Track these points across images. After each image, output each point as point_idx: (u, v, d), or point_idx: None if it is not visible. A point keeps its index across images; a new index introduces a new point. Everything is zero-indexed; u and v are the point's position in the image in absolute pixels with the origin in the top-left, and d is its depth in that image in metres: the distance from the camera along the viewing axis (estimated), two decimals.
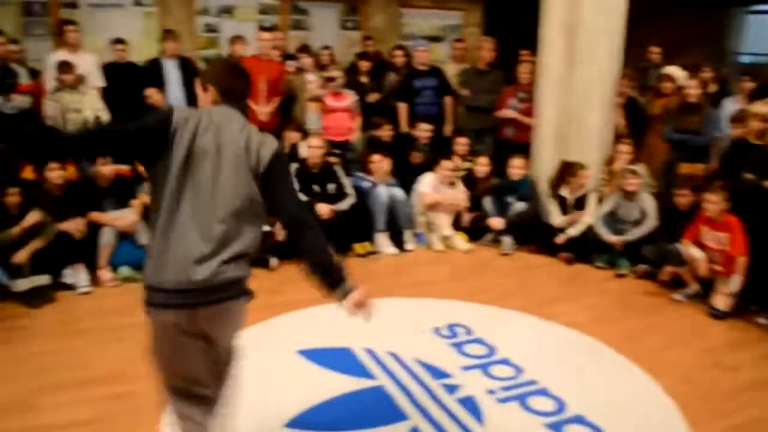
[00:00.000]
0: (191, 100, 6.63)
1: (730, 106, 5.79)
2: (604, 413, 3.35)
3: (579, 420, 3.30)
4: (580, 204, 5.88)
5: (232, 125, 2.32)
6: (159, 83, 6.37)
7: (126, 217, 5.12)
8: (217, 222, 2.26)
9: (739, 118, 5.26)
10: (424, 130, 6.62)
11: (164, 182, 2.24)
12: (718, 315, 4.65)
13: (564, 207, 5.94)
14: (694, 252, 4.84)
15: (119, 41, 6.58)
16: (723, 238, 4.72)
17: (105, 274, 4.96)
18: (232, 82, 2.45)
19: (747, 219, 4.73)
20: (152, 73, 6.54)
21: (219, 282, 2.31)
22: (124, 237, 5.13)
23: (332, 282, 2.45)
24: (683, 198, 5.18)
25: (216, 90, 2.42)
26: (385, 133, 6.57)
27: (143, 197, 5.35)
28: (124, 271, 5.05)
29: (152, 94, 6.10)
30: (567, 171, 5.92)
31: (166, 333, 2.42)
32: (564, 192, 5.94)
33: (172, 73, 6.62)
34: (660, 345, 4.22)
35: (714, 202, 4.72)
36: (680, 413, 3.39)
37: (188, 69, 6.81)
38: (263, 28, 6.96)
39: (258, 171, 2.31)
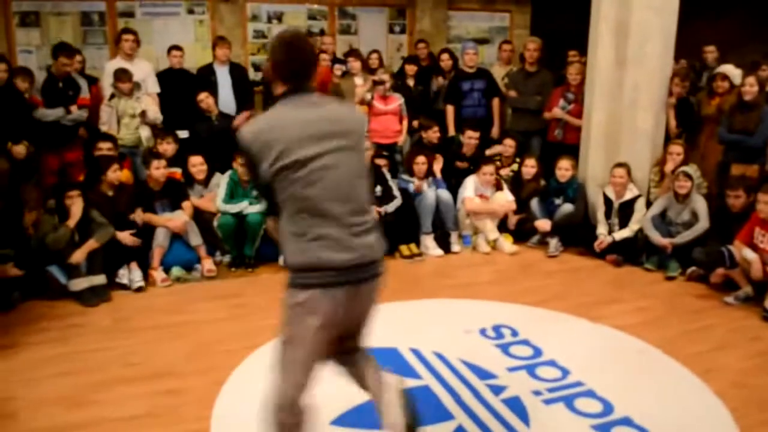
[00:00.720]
0: (241, 104, 6.81)
1: None
2: (652, 416, 3.31)
3: (626, 422, 3.27)
4: (625, 207, 5.80)
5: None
6: (211, 88, 6.54)
7: (178, 218, 5.28)
8: None
9: None
10: (471, 138, 6.62)
11: None
12: None
13: (609, 209, 5.86)
14: (748, 254, 4.73)
15: (176, 48, 6.79)
16: None
17: (158, 274, 5.12)
18: (290, 64, 2.37)
19: None
20: (205, 79, 6.72)
21: None
22: (176, 238, 5.29)
23: None
24: (736, 199, 5.06)
25: (279, 79, 2.40)
26: (432, 134, 6.60)
27: (194, 200, 5.53)
28: (176, 271, 5.21)
29: (204, 98, 6.26)
30: (612, 173, 5.85)
31: None
32: (610, 193, 5.87)
33: (223, 78, 6.79)
34: (711, 348, 4.14)
35: (766, 203, 4.60)
36: (731, 417, 3.32)
37: (239, 75, 6.99)
38: (310, 34, 7.05)
39: None
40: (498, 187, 6.21)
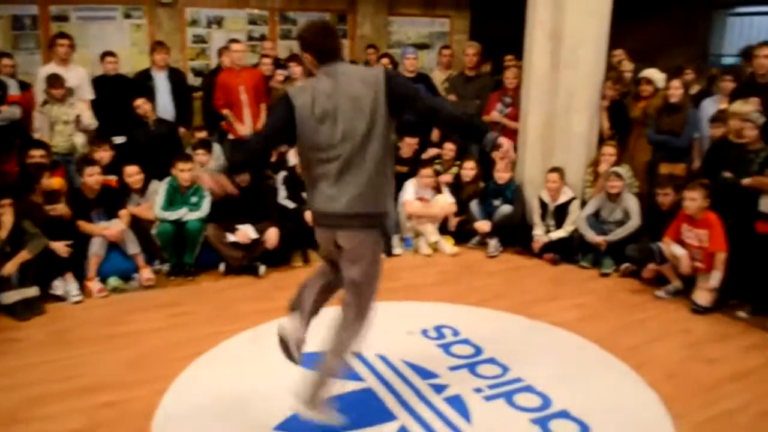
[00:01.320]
0: (180, 110, 6.72)
1: (711, 106, 5.87)
2: (589, 408, 3.42)
3: (564, 415, 3.37)
4: (561, 210, 5.96)
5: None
6: (149, 94, 6.43)
7: (114, 227, 5.16)
8: None
9: (718, 119, 5.35)
10: (409, 143, 6.68)
11: None
12: (699, 310, 4.73)
13: (545, 212, 6.02)
14: (676, 250, 4.93)
15: (109, 54, 6.65)
16: (703, 235, 4.80)
17: (94, 284, 4.98)
18: (323, 43, 2.86)
19: (726, 216, 4.82)
20: (142, 85, 6.61)
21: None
22: (113, 247, 5.18)
23: (478, 136, 3.00)
24: (665, 197, 5.26)
25: (311, 55, 2.86)
26: None
27: (131, 208, 5.42)
28: (113, 281, 5.09)
29: (141, 104, 6.15)
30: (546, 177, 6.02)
31: None
32: (545, 197, 6.02)
33: (161, 84, 6.70)
34: (644, 341, 4.30)
35: (694, 200, 4.80)
36: (664, 406, 3.47)
37: (178, 80, 6.90)
38: (234, 40, 7.00)
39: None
40: (438, 190, 6.29)
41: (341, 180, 2.85)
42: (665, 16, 10.12)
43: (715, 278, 4.73)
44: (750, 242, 4.67)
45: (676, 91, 5.69)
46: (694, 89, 6.35)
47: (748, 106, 5.08)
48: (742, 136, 4.99)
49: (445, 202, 6.28)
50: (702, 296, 4.77)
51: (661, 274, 5.17)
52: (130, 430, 3.22)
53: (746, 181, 4.68)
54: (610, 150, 6.00)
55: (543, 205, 6.04)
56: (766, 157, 4.58)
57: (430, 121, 3.24)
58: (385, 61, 7.54)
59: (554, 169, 5.95)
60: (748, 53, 6.03)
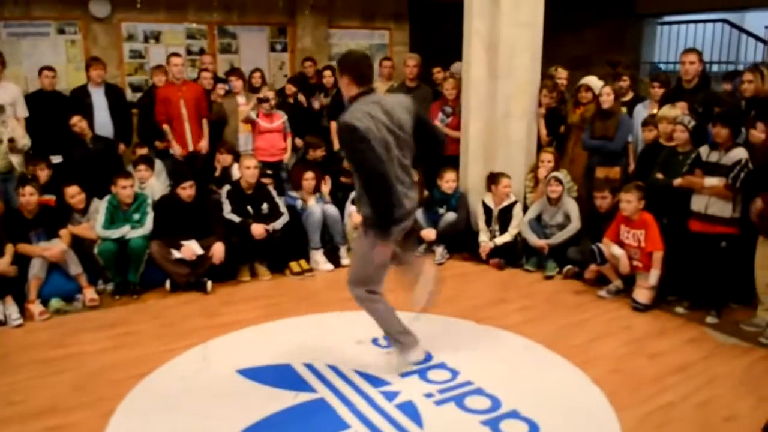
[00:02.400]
0: (118, 126, 6.60)
1: (643, 111, 6.10)
2: (537, 406, 3.50)
3: (514, 415, 3.44)
4: (504, 214, 6.08)
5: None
6: (86, 111, 6.30)
7: (55, 247, 5.02)
8: None
9: (649, 123, 5.57)
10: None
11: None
12: (640, 308, 4.90)
13: (489, 217, 6.13)
14: (615, 250, 5.10)
15: (48, 68, 6.50)
16: (640, 235, 4.98)
17: (35, 307, 4.84)
18: (358, 67, 3.43)
19: (661, 216, 5.02)
20: (78, 101, 6.48)
21: None
22: (54, 268, 5.04)
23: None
24: (603, 200, 5.44)
25: (349, 76, 3.43)
26: (319, 154, 6.65)
27: (71, 227, 5.29)
28: (55, 303, 4.95)
29: (77, 121, 6.03)
30: (491, 181, 6.14)
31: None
32: (489, 202, 6.14)
33: (98, 100, 6.59)
34: (588, 339, 4.43)
35: (630, 202, 4.98)
36: (608, 401, 3.57)
37: (115, 96, 6.79)
38: (174, 54, 6.94)
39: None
40: None
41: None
42: (598, 26, 10.49)
43: (654, 276, 4.91)
44: (684, 240, 4.86)
45: (607, 98, 5.89)
46: (629, 95, 6.58)
47: (676, 111, 5.31)
48: (672, 139, 5.20)
49: None
50: (642, 294, 4.94)
51: (603, 275, 5.33)
52: None
53: (677, 181, 4.87)
54: (548, 156, 6.17)
55: (487, 210, 6.15)
56: (695, 158, 4.78)
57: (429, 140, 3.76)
58: (327, 73, 7.58)
59: (505, 175, 6.07)
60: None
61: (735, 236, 4.66)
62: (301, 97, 7.46)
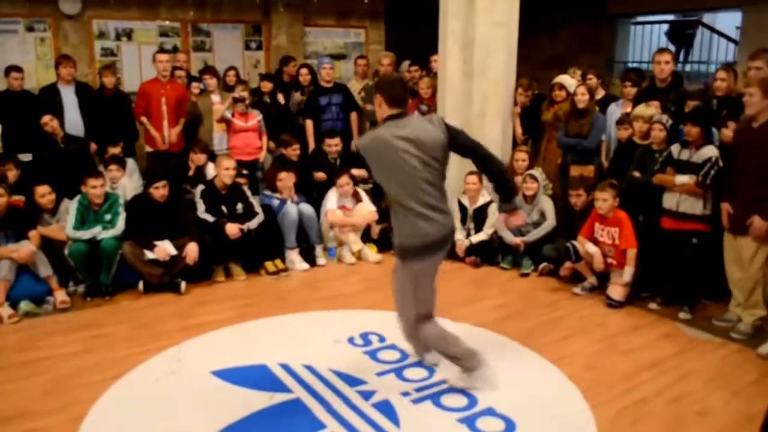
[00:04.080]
0: (89, 125, 6.50)
1: (616, 110, 6.15)
2: (513, 403, 3.51)
3: (490, 412, 3.45)
4: (479, 213, 6.09)
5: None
6: (55, 110, 6.20)
7: (23, 249, 4.92)
8: None
9: (623, 122, 5.61)
10: (332, 145, 6.71)
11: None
12: (614, 305, 4.94)
13: (465, 215, 6.15)
14: (590, 248, 5.13)
15: (15, 69, 6.37)
16: (614, 233, 5.03)
17: (4, 310, 4.73)
18: (397, 90, 3.42)
19: (634, 214, 5.06)
20: (48, 100, 6.36)
21: None
22: (24, 270, 4.95)
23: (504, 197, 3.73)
24: (578, 198, 5.47)
25: (382, 96, 3.40)
26: (292, 152, 6.61)
27: (41, 228, 5.19)
28: (25, 305, 4.86)
29: (48, 121, 5.93)
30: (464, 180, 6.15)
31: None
32: (464, 201, 6.15)
33: (69, 99, 6.47)
34: (563, 336, 4.46)
35: (605, 200, 5.02)
36: (583, 397, 3.60)
37: (86, 94, 6.67)
38: (160, 51, 6.86)
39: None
40: (358, 199, 6.32)
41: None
42: (573, 26, 10.57)
43: (628, 273, 4.95)
44: (657, 238, 4.91)
45: (582, 97, 5.93)
46: (600, 94, 6.63)
47: (651, 110, 5.36)
48: (647, 137, 5.25)
49: (366, 210, 6.31)
50: (616, 291, 4.98)
51: (578, 272, 5.37)
52: None
53: (654, 179, 4.91)
54: (522, 155, 6.19)
55: (462, 209, 6.16)
56: (666, 156, 4.83)
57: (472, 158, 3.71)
58: (303, 71, 7.54)
59: (472, 172, 6.08)
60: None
61: (706, 233, 4.72)
62: (281, 97, 7.38)
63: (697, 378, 3.87)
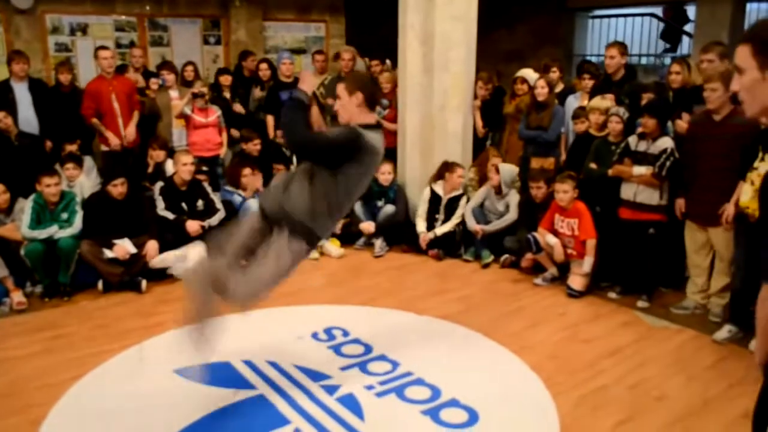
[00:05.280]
0: (43, 122, 6.36)
1: (574, 103, 6.24)
2: (476, 394, 3.55)
3: (453, 403, 3.48)
4: (452, 203, 6.13)
5: None
6: (9, 107, 6.04)
7: None
8: None
9: (579, 115, 5.70)
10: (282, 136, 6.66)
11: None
12: (574, 294, 5.03)
13: (437, 204, 6.17)
14: (550, 239, 5.21)
15: None
16: (574, 224, 5.10)
17: None
18: (376, 93, 3.41)
19: (593, 205, 5.15)
20: (1, 97, 6.20)
21: None
22: None
23: None
24: (538, 190, 5.53)
25: (364, 96, 3.27)
26: (253, 147, 6.56)
27: None
28: None
29: (2, 118, 5.78)
30: (445, 169, 6.16)
31: None
32: (438, 189, 6.17)
33: (22, 95, 6.33)
34: (525, 326, 4.52)
35: (565, 191, 5.09)
36: (544, 386, 3.66)
37: (40, 91, 6.52)
38: (102, 47, 6.70)
39: None
40: None
41: None
42: (532, 20, 10.69)
43: (587, 264, 5.04)
44: (615, 228, 5.00)
45: (542, 90, 6.01)
46: (559, 87, 6.72)
47: (607, 102, 5.45)
48: (602, 129, 5.34)
49: None
50: (576, 281, 5.06)
51: (539, 263, 5.44)
52: None
53: (610, 171, 4.99)
54: (496, 160, 6.16)
55: (435, 198, 6.18)
56: (624, 148, 4.91)
57: None
58: (263, 66, 7.48)
59: (458, 164, 6.10)
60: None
61: (663, 223, 4.82)
62: (238, 107, 7.27)
63: (655, 364, 3.97)
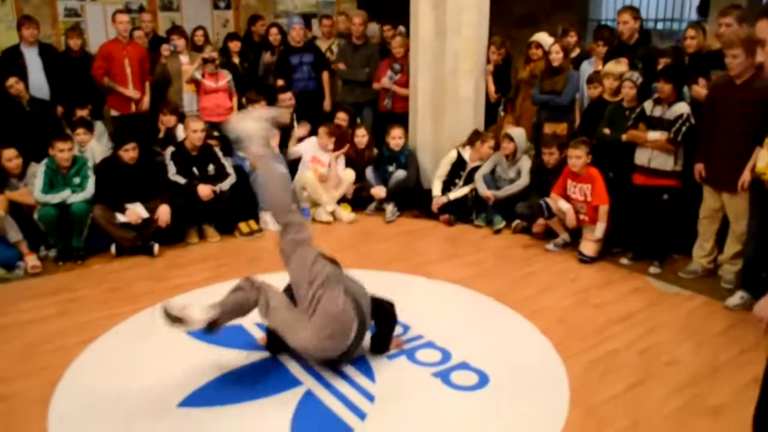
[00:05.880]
0: (54, 87, 6.35)
1: (588, 68, 6.15)
2: (487, 357, 3.56)
3: (464, 366, 3.50)
4: (473, 172, 6.09)
5: None
6: (19, 72, 6.03)
7: None
8: None
9: (594, 79, 5.62)
10: (285, 99, 6.64)
11: None
12: (586, 260, 5.01)
13: (460, 170, 6.13)
14: (562, 205, 5.18)
15: None
16: (586, 189, 5.06)
17: None
18: None
19: (606, 170, 5.10)
20: (12, 63, 6.18)
21: None
22: None
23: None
24: (550, 156, 5.49)
25: None
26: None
27: (8, 193, 5.10)
28: None
29: (13, 83, 5.77)
30: (476, 137, 6.12)
31: None
32: (465, 155, 6.13)
33: (32, 61, 6.29)
34: (536, 291, 4.52)
35: (578, 157, 5.05)
36: (555, 350, 3.67)
37: (50, 56, 6.50)
38: (119, 11, 6.68)
39: None
40: (333, 153, 6.29)
41: None
42: None
43: (599, 229, 5.01)
44: (628, 194, 4.96)
45: (557, 55, 5.91)
46: (575, 52, 6.61)
47: (621, 67, 5.36)
48: (617, 94, 5.26)
49: (352, 176, 6.32)
50: (588, 247, 5.04)
51: (550, 229, 5.42)
52: (26, 422, 3.07)
53: (624, 136, 4.94)
54: (510, 127, 6.12)
55: (460, 163, 6.14)
56: (639, 113, 4.85)
57: None
58: (273, 30, 7.40)
59: (491, 135, 6.09)
60: None
61: (676, 189, 4.77)
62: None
63: (666, 330, 3.96)
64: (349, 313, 3.22)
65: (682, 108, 4.64)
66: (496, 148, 6.12)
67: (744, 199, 4.30)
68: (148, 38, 7.29)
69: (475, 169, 6.09)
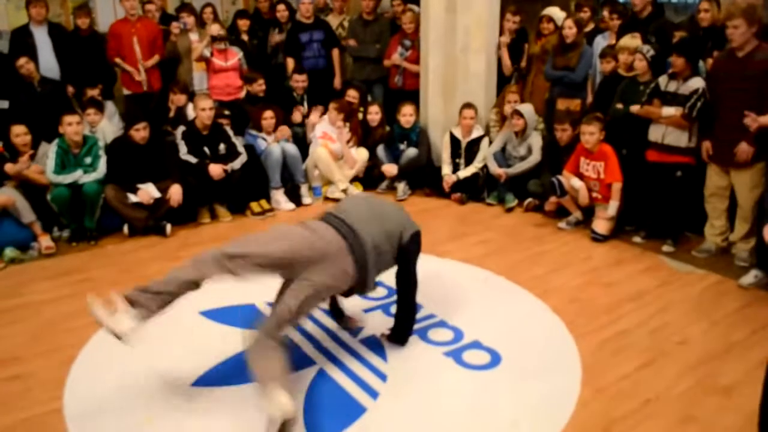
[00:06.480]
0: (64, 67, 6.34)
1: (602, 43, 6.06)
2: (499, 336, 3.57)
3: (476, 345, 3.50)
4: (471, 146, 6.06)
5: None
6: (29, 51, 6.02)
7: (2, 194, 4.86)
8: None
9: (607, 54, 5.54)
10: (299, 81, 6.61)
11: None
12: (598, 238, 4.98)
13: (458, 148, 6.11)
14: (575, 182, 5.14)
15: None
16: (599, 167, 5.02)
17: None
18: None
19: (619, 147, 5.05)
20: (21, 42, 6.17)
21: None
22: (5, 216, 4.89)
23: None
24: (563, 132, 5.43)
25: None
26: (258, 87, 6.45)
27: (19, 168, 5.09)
28: (9, 252, 4.82)
29: (24, 63, 5.76)
30: (460, 112, 6.08)
31: None
32: (457, 133, 6.11)
33: (42, 40, 6.27)
34: (548, 270, 4.51)
35: (591, 133, 4.99)
36: (566, 329, 3.66)
37: (60, 36, 6.47)
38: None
39: None
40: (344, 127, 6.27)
41: None
42: None
43: (612, 207, 4.98)
44: (642, 171, 4.91)
45: (570, 30, 5.81)
46: (589, 27, 6.51)
47: (636, 41, 5.28)
48: (631, 69, 5.19)
49: (365, 155, 6.32)
50: (600, 225, 5.02)
51: (563, 207, 5.39)
52: (40, 401, 3.11)
53: (634, 108, 4.86)
54: (513, 96, 6.07)
55: (455, 142, 6.12)
56: (654, 88, 4.78)
57: None
58: (281, 7, 7.33)
59: (468, 105, 6.03)
60: None
61: (690, 166, 4.72)
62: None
63: (677, 309, 3.94)
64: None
65: (698, 83, 4.57)
66: (504, 121, 6.07)
67: (755, 173, 4.26)
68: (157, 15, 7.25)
69: (470, 143, 6.07)
